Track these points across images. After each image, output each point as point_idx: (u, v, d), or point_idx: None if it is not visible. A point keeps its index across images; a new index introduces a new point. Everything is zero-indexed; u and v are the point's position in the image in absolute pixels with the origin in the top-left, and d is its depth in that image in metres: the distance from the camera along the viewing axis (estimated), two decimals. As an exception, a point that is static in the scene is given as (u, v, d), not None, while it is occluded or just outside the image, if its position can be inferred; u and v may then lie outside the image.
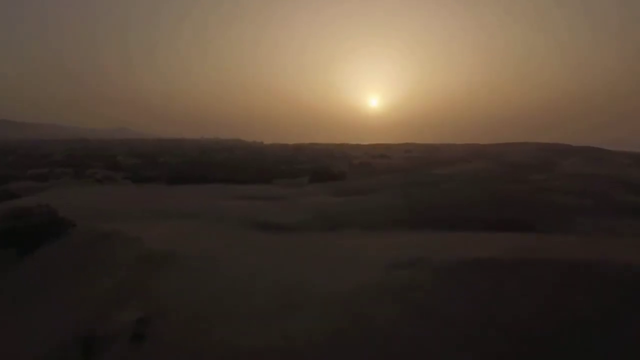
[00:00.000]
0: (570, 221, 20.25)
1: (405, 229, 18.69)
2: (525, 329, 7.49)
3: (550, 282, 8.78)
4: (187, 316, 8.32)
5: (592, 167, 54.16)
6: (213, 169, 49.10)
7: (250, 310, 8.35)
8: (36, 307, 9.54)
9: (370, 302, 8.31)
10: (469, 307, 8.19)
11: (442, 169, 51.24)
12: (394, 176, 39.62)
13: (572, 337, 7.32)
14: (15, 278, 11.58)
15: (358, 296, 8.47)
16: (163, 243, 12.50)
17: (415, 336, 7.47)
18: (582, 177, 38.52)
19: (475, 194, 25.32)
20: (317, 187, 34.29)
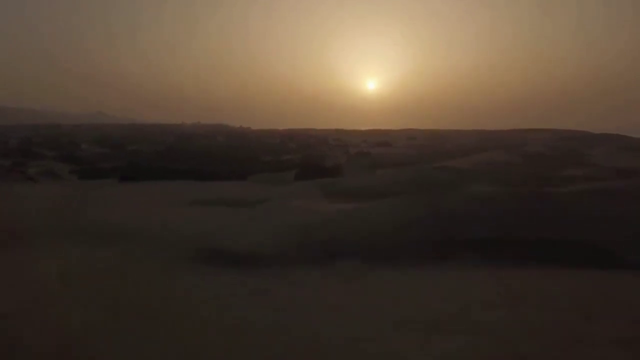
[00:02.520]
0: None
1: (435, 262, 13.14)
2: None
3: None
4: None
5: (629, 159, 48.74)
6: (183, 160, 43.39)
7: None
8: None
9: None
10: None
11: (456, 161, 45.69)
12: (400, 170, 33.97)
13: None
14: None
15: None
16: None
17: None
18: (630, 172, 33.23)
19: (515, 200, 19.65)
20: (306, 185, 28.64)
